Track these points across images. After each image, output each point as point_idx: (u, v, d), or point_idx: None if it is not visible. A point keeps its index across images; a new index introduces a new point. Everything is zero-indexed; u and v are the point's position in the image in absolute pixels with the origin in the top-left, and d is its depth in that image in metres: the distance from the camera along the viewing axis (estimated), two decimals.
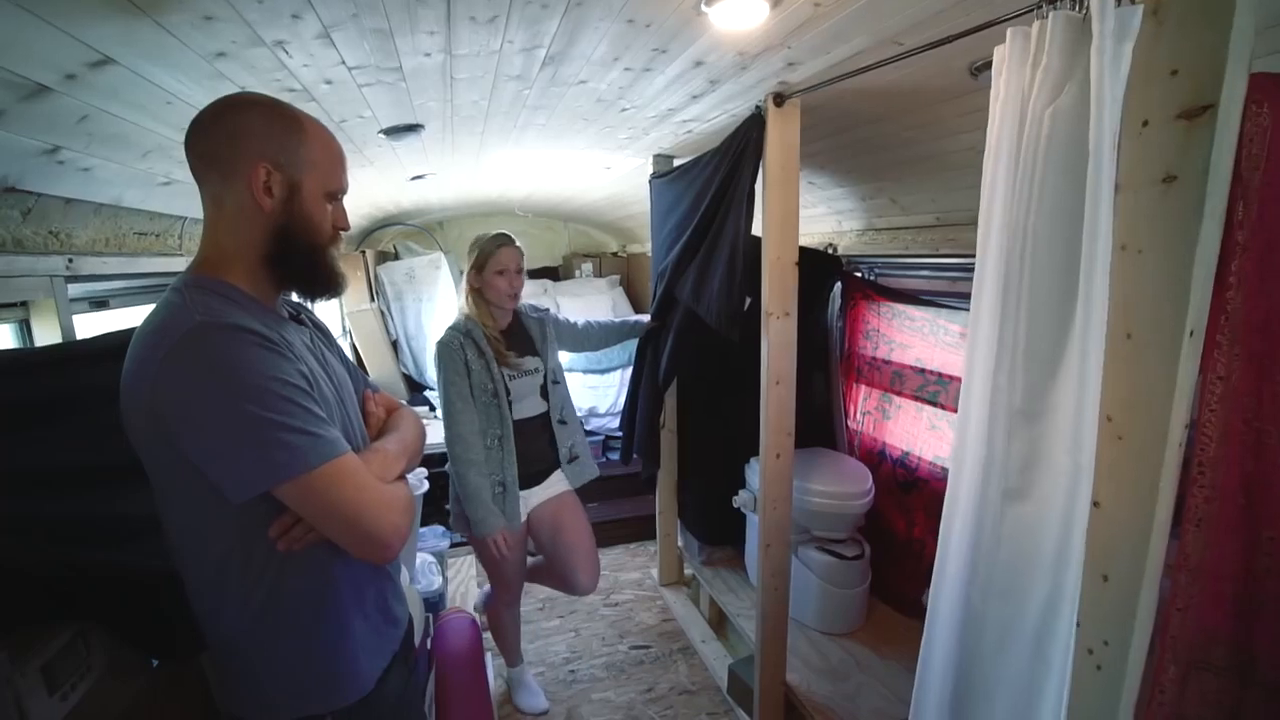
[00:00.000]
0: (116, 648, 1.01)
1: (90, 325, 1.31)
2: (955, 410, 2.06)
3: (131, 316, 1.52)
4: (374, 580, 0.91)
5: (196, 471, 0.71)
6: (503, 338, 1.78)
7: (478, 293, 1.75)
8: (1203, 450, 0.79)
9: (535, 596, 2.16)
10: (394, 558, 0.83)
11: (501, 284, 1.73)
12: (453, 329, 1.73)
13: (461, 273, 1.83)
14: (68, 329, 1.17)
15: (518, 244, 1.77)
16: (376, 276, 3.60)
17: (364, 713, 0.87)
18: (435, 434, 2.99)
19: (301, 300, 0.94)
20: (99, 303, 1.43)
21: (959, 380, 2.09)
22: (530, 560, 2.03)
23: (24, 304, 1.13)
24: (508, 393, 1.73)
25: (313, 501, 0.74)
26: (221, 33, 0.97)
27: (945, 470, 2.12)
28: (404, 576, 1.75)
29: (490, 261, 1.71)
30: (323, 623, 0.83)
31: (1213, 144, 0.67)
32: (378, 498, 0.78)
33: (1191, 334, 0.71)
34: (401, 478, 0.89)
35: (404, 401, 3.41)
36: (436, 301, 3.50)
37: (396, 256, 3.82)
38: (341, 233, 0.89)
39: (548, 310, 2.00)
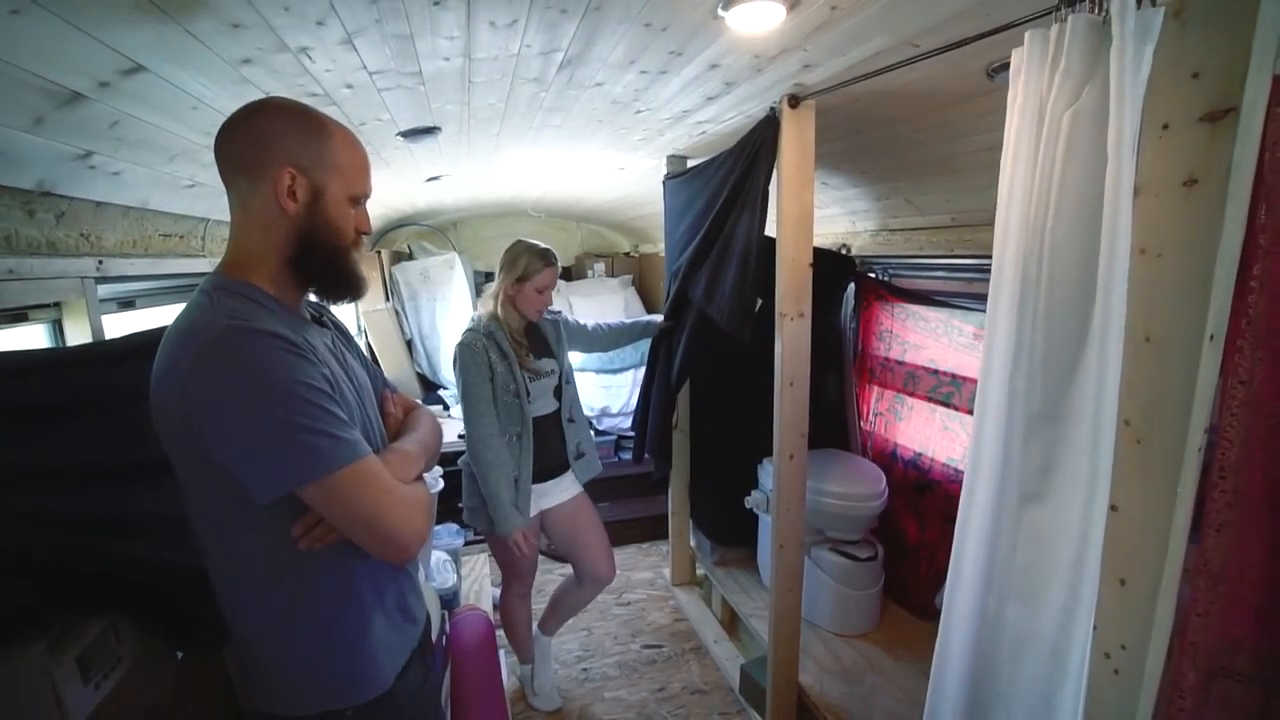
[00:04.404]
0: (145, 640, 1.04)
1: (118, 325, 1.34)
2: (968, 411, 2.06)
3: (156, 316, 1.56)
4: (394, 579, 0.93)
5: (223, 471, 0.73)
6: (525, 341, 1.82)
7: (510, 300, 1.79)
8: (1224, 455, 0.78)
9: (548, 594, 2.18)
10: (413, 559, 0.85)
11: (540, 301, 1.80)
12: (473, 330, 1.75)
13: (478, 273, 1.86)
14: (97, 329, 1.20)
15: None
16: (392, 276, 3.64)
17: (383, 708, 0.88)
18: (446, 432, 3.02)
19: (323, 302, 0.95)
20: (126, 303, 1.46)
21: (973, 381, 2.08)
22: (554, 594, 2.13)
23: (57, 305, 1.16)
24: (528, 394, 1.76)
25: (335, 503, 0.76)
26: (248, 40, 0.99)
27: (958, 472, 2.12)
28: (420, 574, 1.77)
29: (536, 278, 1.77)
30: (344, 620, 0.85)
31: (1235, 147, 0.66)
32: (398, 500, 0.80)
33: (1212, 338, 0.71)
34: (419, 478, 0.91)
35: (419, 400, 3.45)
36: (451, 301, 3.54)
37: (411, 256, 3.86)
38: (364, 236, 0.90)
39: (560, 313, 2.02)
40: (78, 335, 1.18)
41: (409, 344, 3.64)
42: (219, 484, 0.74)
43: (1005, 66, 1.15)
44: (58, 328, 1.17)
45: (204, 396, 0.71)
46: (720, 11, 1.08)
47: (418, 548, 0.82)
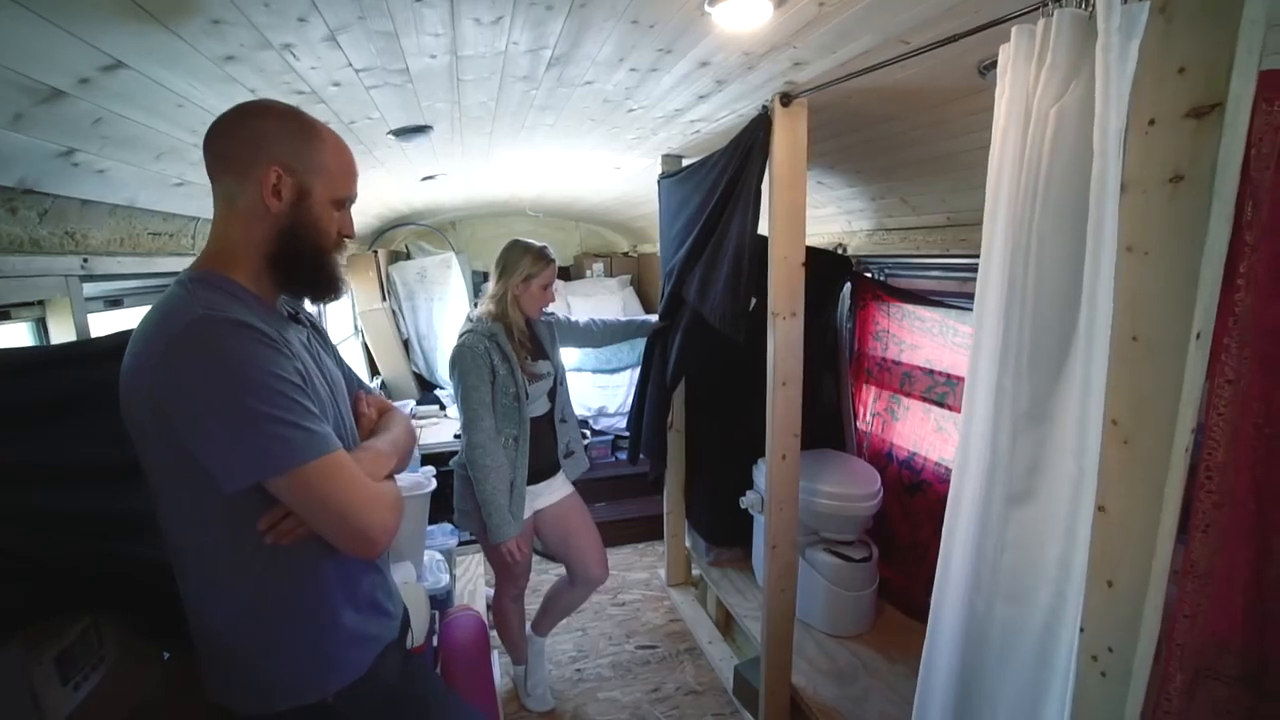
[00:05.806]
0: (128, 639, 1.03)
1: (104, 324, 1.33)
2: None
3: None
4: (364, 574, 0.92)
5: (192, 461, 0.72)
6: (528, 343, 1.82)
7: (517, 300, 1.79)
8: (1210, 455, 0.77)
9: (543, 594, 2.17)
10: (380, 554, 0.84)
11: (545, 298, 1.82)
12: (474, 332, 1.72)
13: (476, 272, 1.86)
14: (82, 328, 1.20)
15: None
16: (388, 276, 3.63)
17: (363, 688, 0.87)
18: (441, 433, 3.03)
19: (302, 301, 0.95)
20: (113, 302, 1.45)
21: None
22: (547, 595, 2.12)
23: (40, 303, 1.15)
24: (526, 396, 1.75)
25: (303, 495, 0.75)
26: (230, 37, 0.99)
27: (949, 472, 2.11)
28: (411, 573, 1.77)
29: (541, 276, 1.78)
30: (312, 616, 0.84)
31: (1221, 143, 0.65)
32: (367, 494, 0.79)
33: (1198, 336, 0.70)
34: (390, 477, 0.90)
35: (414, 400, 3.44)
36: (448, 301, 3.53)
37: (408, 256, 3.85)
38: (346, 240, 0.90)
39: (554, 314, 2.02)
40: (62, 334, 1.18)
41: (405, 344, 3.63)
42: (187, 475, 0.74)
43: (996, 64, 1.14)
44: (41, 326, 1.17)
45: (176, 384, 0.71)
46: (707, 8, 1.07)
47: (386, 543, 0.82)
